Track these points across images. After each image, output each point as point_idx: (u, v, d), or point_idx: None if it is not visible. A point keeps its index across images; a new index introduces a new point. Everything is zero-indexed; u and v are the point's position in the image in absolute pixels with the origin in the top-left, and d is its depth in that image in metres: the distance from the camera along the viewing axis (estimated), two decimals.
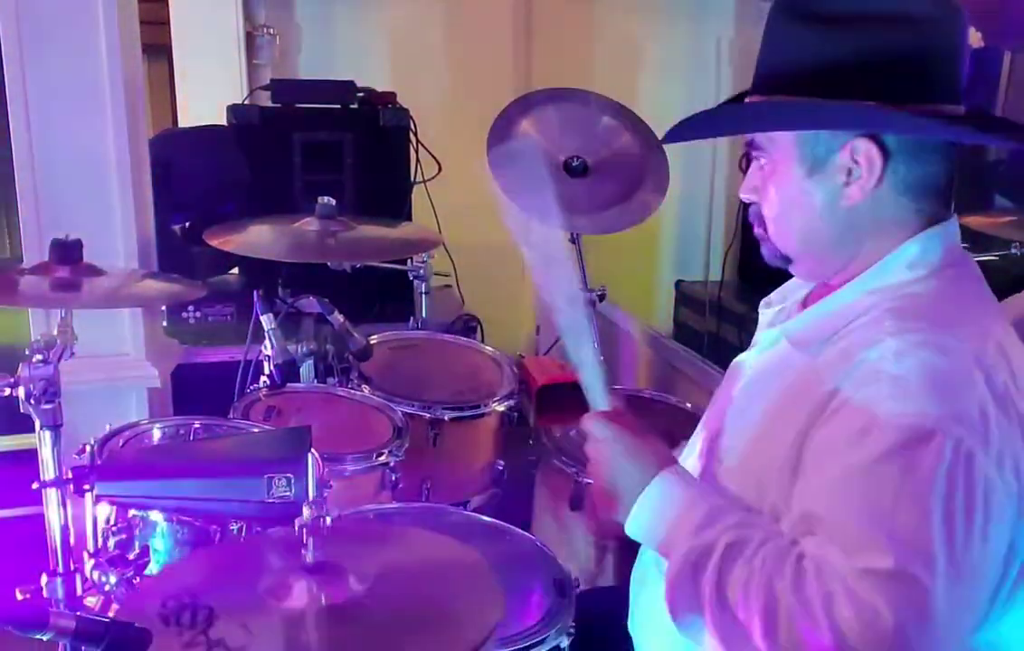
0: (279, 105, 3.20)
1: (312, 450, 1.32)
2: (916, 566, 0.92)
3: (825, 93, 1.06)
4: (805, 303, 1.23)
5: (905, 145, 1.09)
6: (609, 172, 2.63)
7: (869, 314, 1.07)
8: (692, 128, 1.24)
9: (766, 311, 1.30)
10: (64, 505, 1.42)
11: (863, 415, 0.98)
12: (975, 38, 3.24)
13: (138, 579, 1.32)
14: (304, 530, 1.08)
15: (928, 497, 0.93)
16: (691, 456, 1.29)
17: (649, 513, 1.12)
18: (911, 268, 1.09)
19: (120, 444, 1.63)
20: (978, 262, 1.15)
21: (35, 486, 1.41)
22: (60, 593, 1.43)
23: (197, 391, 2.72)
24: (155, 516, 1.40)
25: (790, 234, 1.16)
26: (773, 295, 1.31)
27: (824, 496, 0.99)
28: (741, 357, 1.29)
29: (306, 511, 1.08)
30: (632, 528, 1.14)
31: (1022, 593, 1.02)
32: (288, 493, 1.20)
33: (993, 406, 0.97)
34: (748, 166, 1.19)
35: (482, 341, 2.73)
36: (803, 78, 1.08)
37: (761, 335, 1.27)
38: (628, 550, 1.40)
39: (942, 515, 0.93)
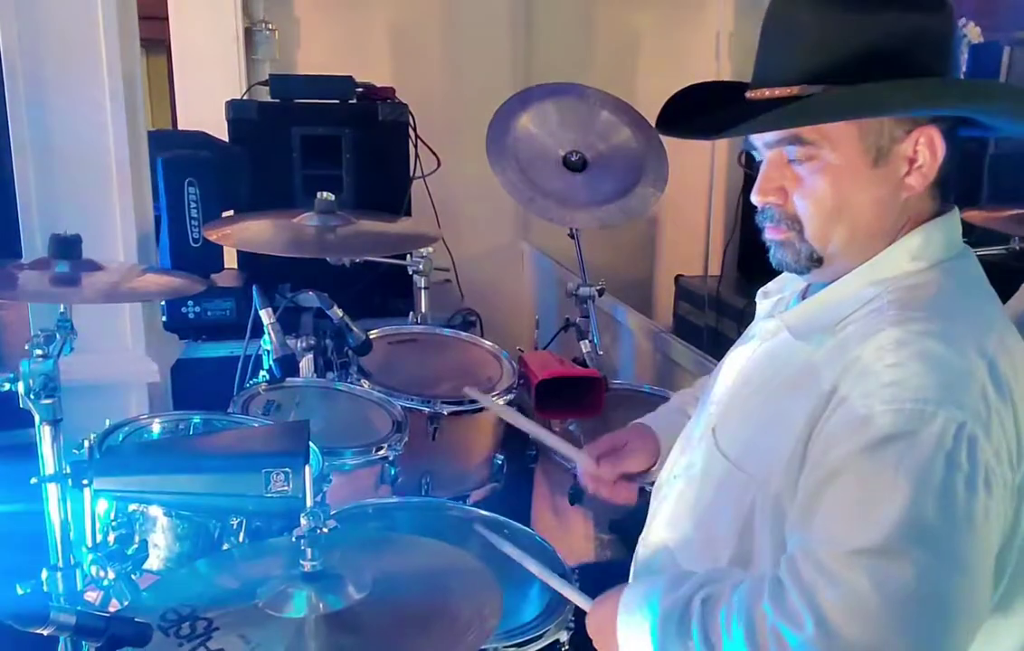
0: (278, 100, 3.20)
1: (311, 444, 1.32)
2: (906, 543, 0.90)
3: (879, 77, 1.00)
4: (805, 294, 1.21)
5: (957, 131, 1.07)
6: (608, 167, 2.63)
7: (870, 305, 1.07)
8: (706, 125, 1.19)
9: (764, 301, 1.29)
10: (64, 500, 1.42)
11: (864, 405, 0.97)
12: (974, 33, 3.23)
13: (136, 575, 1.32)
14: (302, 540, 1.08)
15: (926, 476, 0.92)
16: (689, 448, 1.28)
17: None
18: (913, 259, 1.08)
19: (120, 439, 1.63)
20: (980, 257, 1.14)
21: (34, 481, 1.41)
22: (60, 588, 1.43)
23: (197, 386, 2.73)
24: (154, 511, 1.41)
25: (839, 231, 1.08)
26: (771, 285, 1.29)
27: (822, 486, 0.98)
28: (738, 348, 1.28)
29: (304, 521, 1.08)
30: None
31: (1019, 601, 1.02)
32: (286, 488, 1.19)
33: (995, 395, 0.96)
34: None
35: (481, 336, 2.73)
36: (855, 63, 1.01)
37: (758, 325, 1.26)
38: (626, 543, 1.40)
39: (940, 493, 0.91)
